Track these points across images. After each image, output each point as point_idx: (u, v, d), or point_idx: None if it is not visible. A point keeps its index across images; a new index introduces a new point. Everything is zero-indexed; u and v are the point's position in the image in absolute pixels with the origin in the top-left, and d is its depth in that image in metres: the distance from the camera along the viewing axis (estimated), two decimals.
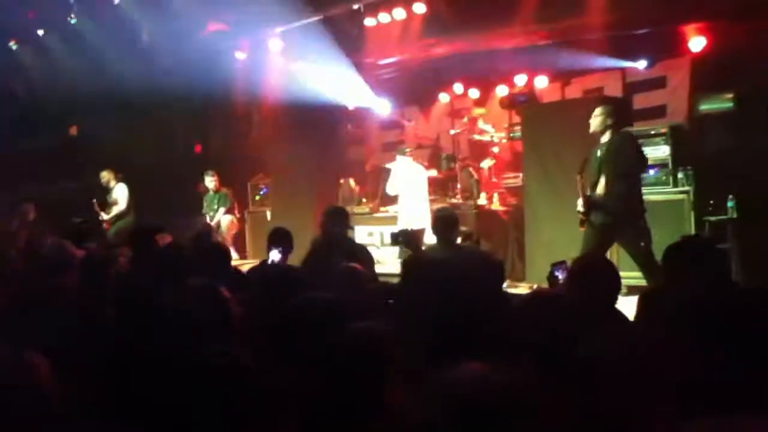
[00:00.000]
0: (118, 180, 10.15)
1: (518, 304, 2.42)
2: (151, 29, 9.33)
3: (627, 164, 5.48)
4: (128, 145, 11.49)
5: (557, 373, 2.04)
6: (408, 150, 8.75)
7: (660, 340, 2.10)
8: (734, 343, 1.63)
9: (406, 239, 4.63)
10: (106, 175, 10.17)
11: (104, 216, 9.92)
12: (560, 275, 3.95)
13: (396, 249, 8.13)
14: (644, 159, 5.75)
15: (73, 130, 12.44)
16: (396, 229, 5.00)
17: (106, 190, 10.17)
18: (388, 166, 8.75)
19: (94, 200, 9.95)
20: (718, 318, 1.70)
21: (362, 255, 5.20)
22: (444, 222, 4.82)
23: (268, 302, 2.92)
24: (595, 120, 5.61)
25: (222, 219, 10.18)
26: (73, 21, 9.06)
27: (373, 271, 5.33)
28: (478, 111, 9.49)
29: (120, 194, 10.06)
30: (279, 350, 2.40)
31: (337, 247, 5.07)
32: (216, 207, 10.22)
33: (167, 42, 9.68)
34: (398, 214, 8.50)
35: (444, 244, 4.77)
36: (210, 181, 10.27)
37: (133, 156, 11.38)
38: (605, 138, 5.58)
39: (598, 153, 5.63)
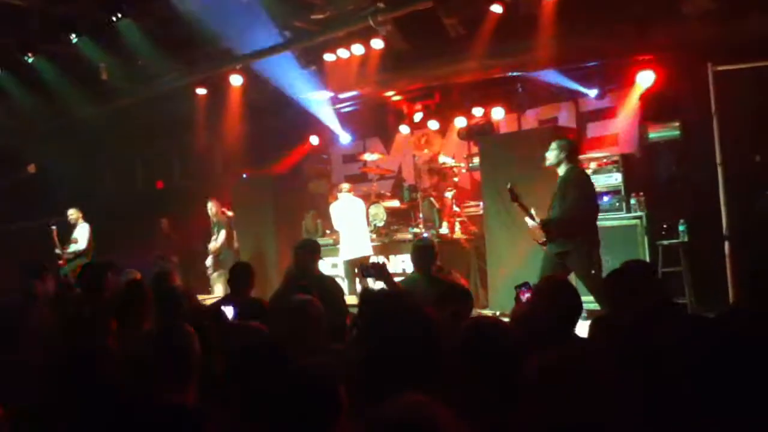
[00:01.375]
0: (83, 219, 10.05)
1: (463, 330, 2.46)
2: (110, 68, 9.31)
3: (579, 199, 5.58)
4: (88, 183, 11.41)
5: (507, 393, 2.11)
6: (346, 187, 8.92)
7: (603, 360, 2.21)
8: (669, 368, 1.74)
9: (376, 271, 4.69)
10: (74, 213, 10.06)
11: (59, 251, 9.80)
12: (523, 296, 4.09)
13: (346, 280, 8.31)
14: (594, 197, 5.84)
15: (31, 168, 12.27)
16: (346, 258, 5.06)
17: (71, 227, 10.05)
18: (332, 204, 8.91)
19: (54, 227, 9.81)
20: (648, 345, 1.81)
21: (332, 287, 5.29)
22: (422, 252, 4.89)
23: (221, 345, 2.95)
24: (551, 154, 5.76)
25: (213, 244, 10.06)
26: (29, 60, 8.99)
27: (344, 302, 5.39)
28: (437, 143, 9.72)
29: (81, 233, 9.96)
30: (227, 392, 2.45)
31: (307, 279, 5.10)
32: (216, 233, 10.11)
33: (126, 80, 9.69)
34: (340, 246, 8.73)
35: (421, 274, 4.85)
36: (210, 207, 10.16)
37: (93, 193, 11.30)
38: (561, 171, 5.74)
39: (556, 187, 5.79)
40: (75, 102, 10.01)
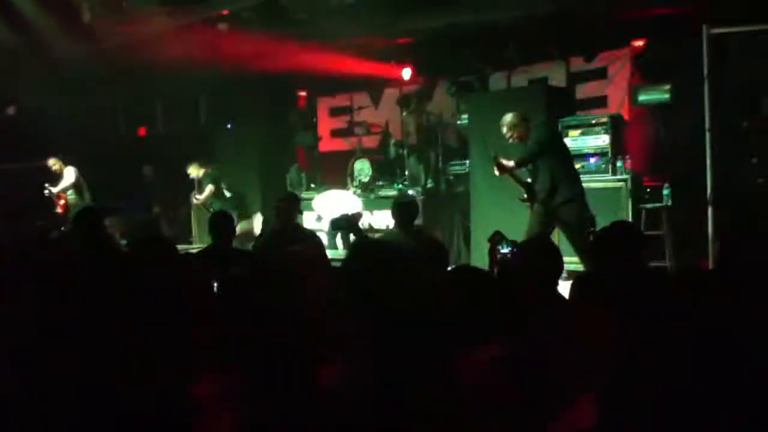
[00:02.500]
0: (66, 164, 9.86)
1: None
2: (93, 7, 9.06)
3: (537, 153, 5.64)
4: (69, 127, 11.19)
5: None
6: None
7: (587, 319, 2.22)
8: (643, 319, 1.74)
9: (347, 224, 4.67)
10: (55, 163, 9.84)
11: (54, 190, 9.65)
12: (502, 249, 4.10)
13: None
14: (548, 146, 5.79)
15: (11, 110, 12.02)
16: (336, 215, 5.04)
17: (57, 176, 9.86)
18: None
19: (47, 185, 9.67)
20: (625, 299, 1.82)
21: (313, 241, 5.33)
22: (405, 208, 4.89)
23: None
24: (509, 133, 5.80)
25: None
26: None
27: (325, 256, 5.41)
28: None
29: (67, 177, 9.78)
30: None
31: (289, 233, 5.14)
32: (203, 186, 9.92)
33: (110, 20, 9.43)
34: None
35: (402, 229, 4.84)
36: (191, 172, 9.98)
37: (75, 138, 11.10)
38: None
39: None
40: (57, 42, 9.74)
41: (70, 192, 9.71)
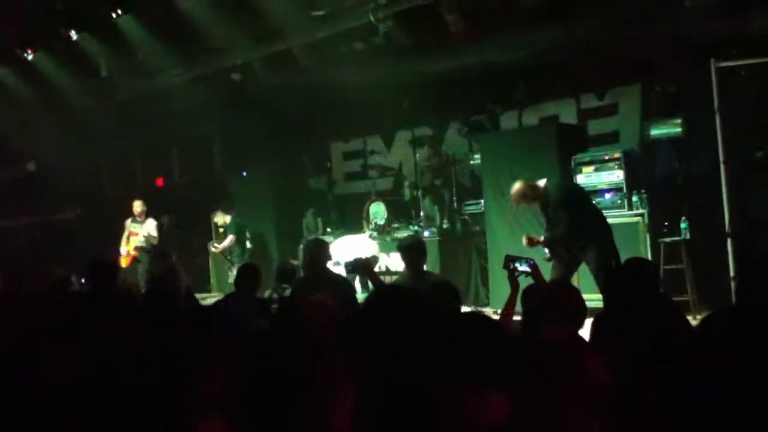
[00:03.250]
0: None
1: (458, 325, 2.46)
2: (110, 62, 9.30)
3: (566, 218, 5.64)
4: (88, 180, 11.39)
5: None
6: None
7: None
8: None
9: (359, 267, 4.66)
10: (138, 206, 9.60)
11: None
12: (520, 267, 4.07)
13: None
14: (582, 208, 5.84)
15: (31, 165, 12.26)
16: (349, 258, 5.00)
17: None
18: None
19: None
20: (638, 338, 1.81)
21: (345, 287, 5.10)
22: (412, 250, 4.85)
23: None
24: (521, 201, 5.88)
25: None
26: (29, 57, 8.98)
27: (356, 301, 5.29)
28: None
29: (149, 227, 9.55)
30: None
31: (320, 279, 4.98)
32: (227, 234, 9.90)
33: (127, 75, 9.66)
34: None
35: (412, 271, 4.80)
36: (220, 218, 10.01)
37: (94, 191, 11.28)
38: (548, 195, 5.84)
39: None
40: (75, 97, 9.98)
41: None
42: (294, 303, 4.14)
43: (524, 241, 5.80)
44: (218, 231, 10.19)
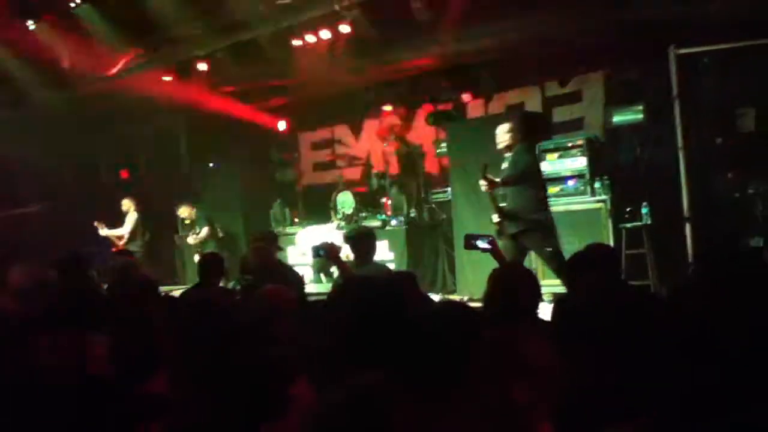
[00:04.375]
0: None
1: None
2: (71, 54, 9.11)
3: (521, 174, 5.69)
4: (52, 173, 11.17)
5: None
6: None
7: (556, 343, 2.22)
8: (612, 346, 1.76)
9: (326, 251, 4.66)
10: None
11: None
12: (481, 245, 4.13)
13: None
14: (530, 170, 5.87)
15: None
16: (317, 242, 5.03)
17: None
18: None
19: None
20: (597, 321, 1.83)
21: (292, 276, 5.37)
22: (362, 239, 4.87)
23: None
24: (506, 136, 5.83)
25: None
26: None
27: (303, 291, 5.41)
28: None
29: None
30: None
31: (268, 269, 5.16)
32: (198, 228, 9.84)
33: (88, 67, 9.48)
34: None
35: (362, 261, 4.81)
36: (183, 212, 9.94)
37: (57, 183, 11.07)
38: (509, 153, 5.84)
39: (503, 166, 5.86)
40: (34, 89, 9.76)
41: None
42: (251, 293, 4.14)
43: (482, 183, 5.72)
44: (183, 224, 10.08)
